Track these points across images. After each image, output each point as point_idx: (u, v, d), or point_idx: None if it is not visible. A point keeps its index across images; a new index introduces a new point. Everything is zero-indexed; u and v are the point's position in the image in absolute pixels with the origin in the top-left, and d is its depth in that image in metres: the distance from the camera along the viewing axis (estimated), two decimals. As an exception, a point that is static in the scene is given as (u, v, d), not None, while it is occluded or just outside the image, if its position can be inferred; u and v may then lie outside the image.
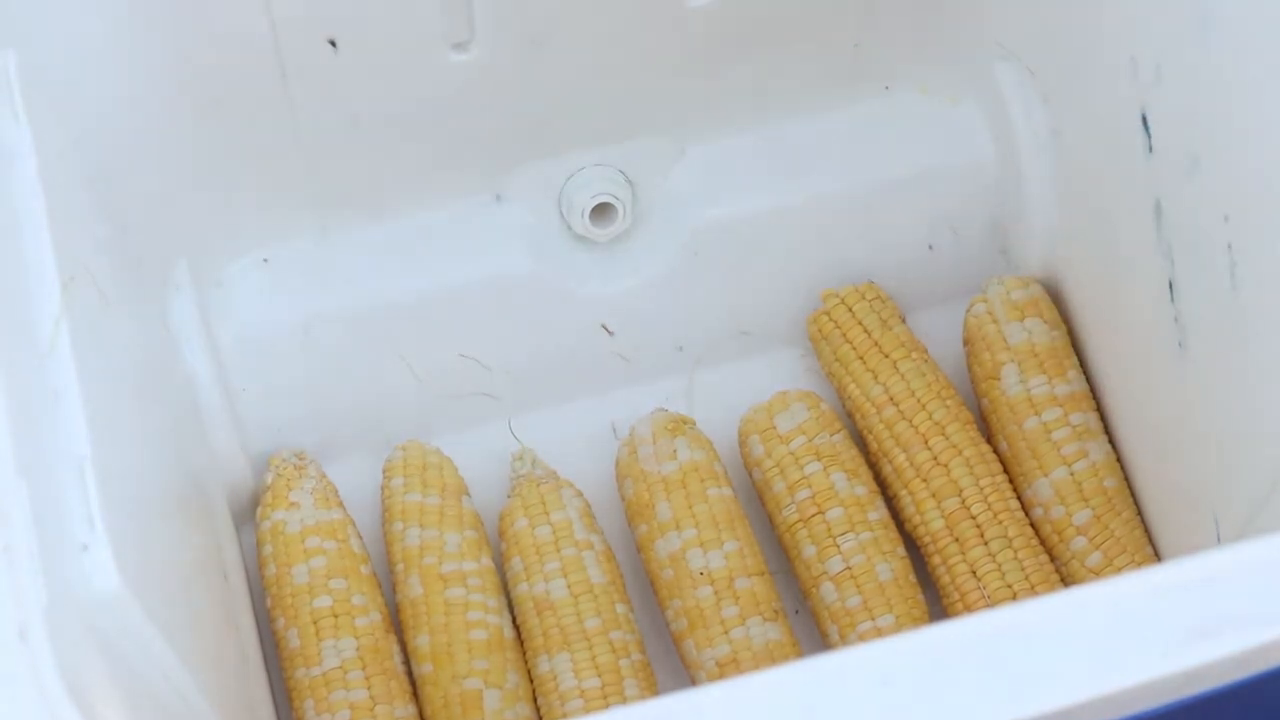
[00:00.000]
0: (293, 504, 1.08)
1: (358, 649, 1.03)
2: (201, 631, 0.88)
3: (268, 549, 1.07)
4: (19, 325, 0.78)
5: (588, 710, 1.02)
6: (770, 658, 1.03)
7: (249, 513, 1.11)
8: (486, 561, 1.08)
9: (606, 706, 1.02)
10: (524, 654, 1.06)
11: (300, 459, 1.10)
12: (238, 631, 1.01)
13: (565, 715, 1.02)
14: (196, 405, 1.08)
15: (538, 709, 1.05)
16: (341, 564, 1.06)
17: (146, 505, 0.85)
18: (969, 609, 1.05)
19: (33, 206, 0.82)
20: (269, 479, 1.09)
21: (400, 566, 1.07)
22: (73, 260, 0.84)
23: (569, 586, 1.05)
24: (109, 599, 0.71)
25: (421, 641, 1.05)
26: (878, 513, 1.08)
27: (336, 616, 1.04)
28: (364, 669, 1.03)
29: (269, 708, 1.04)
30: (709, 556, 1.05)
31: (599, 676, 1.03)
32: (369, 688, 1.02)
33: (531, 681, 1.05)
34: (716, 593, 1.05)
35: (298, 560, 1.06)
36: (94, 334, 0.84)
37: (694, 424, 1.11)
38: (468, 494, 1.11)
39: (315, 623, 1.04)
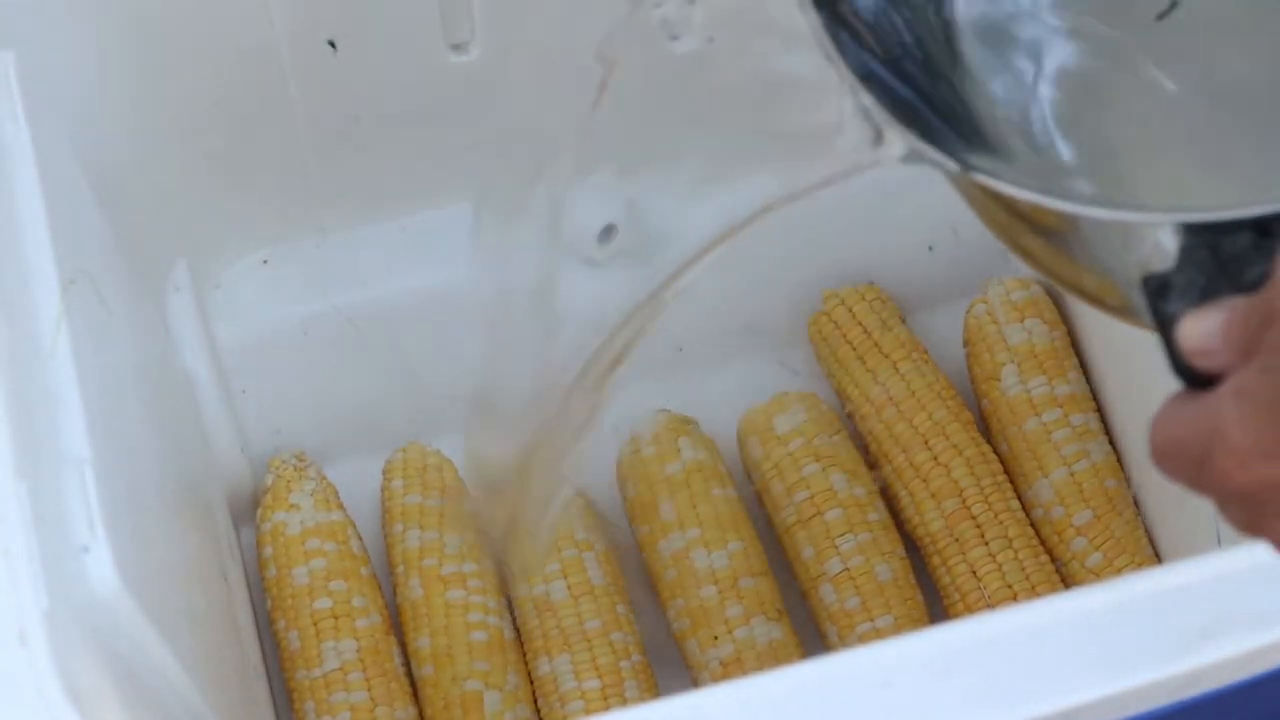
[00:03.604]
0: (293, 505, 1.08)
1: (358, 650, 1.03)
2: (201, 633, 0.88)
3: (268, 550, 1.07)
4: (19, 327, 0.78)
5: (588, 712, 1.01)
6: (774, 658, 1.03)
7: (249, 514, 1.11)
8: (487, 563, 1.08)
9: (607, 708, 1.02)
10: (524, 655, 1.06)
11: (301, 460, 1.10)
12: (238, 633, 1.01)
13: (566, 717, 1.02)
14: (196, 406, 1.08)
15: (538, 710, 1.05)
16: (342, 565, 1.06)
17: (146, 507, 0.85)
18: (969, 609, 1.04)
19: (32, 209, 0.82)
20: (269, 481, 1.09)
21: (401, 568, 1.07)
22: (73, 262, 0.84)
23: (569, 588, 1.05)
24: (109, 601, 0.71)
25: (422, 643, 1.04)
26: (877, 514, 1.07)
27: (337, 618, 1.04)
28: (364, 670, 1.03)
29: (269, 710, 1.04)
30: (713, 556, 1.05)
31: (599, 678, 1.03)
32: (369, 689, 1.02)
33: (531, 683, 1.05)
34: (720, 592, 1.04)
35: (298, 562, 1.06)
36: (94, 336, 0.84)
37: (697, 424, 1.11)
38: (469, 495, 1.11)
39: (315, 624, 1.04)
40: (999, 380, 1.10)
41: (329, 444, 1.14)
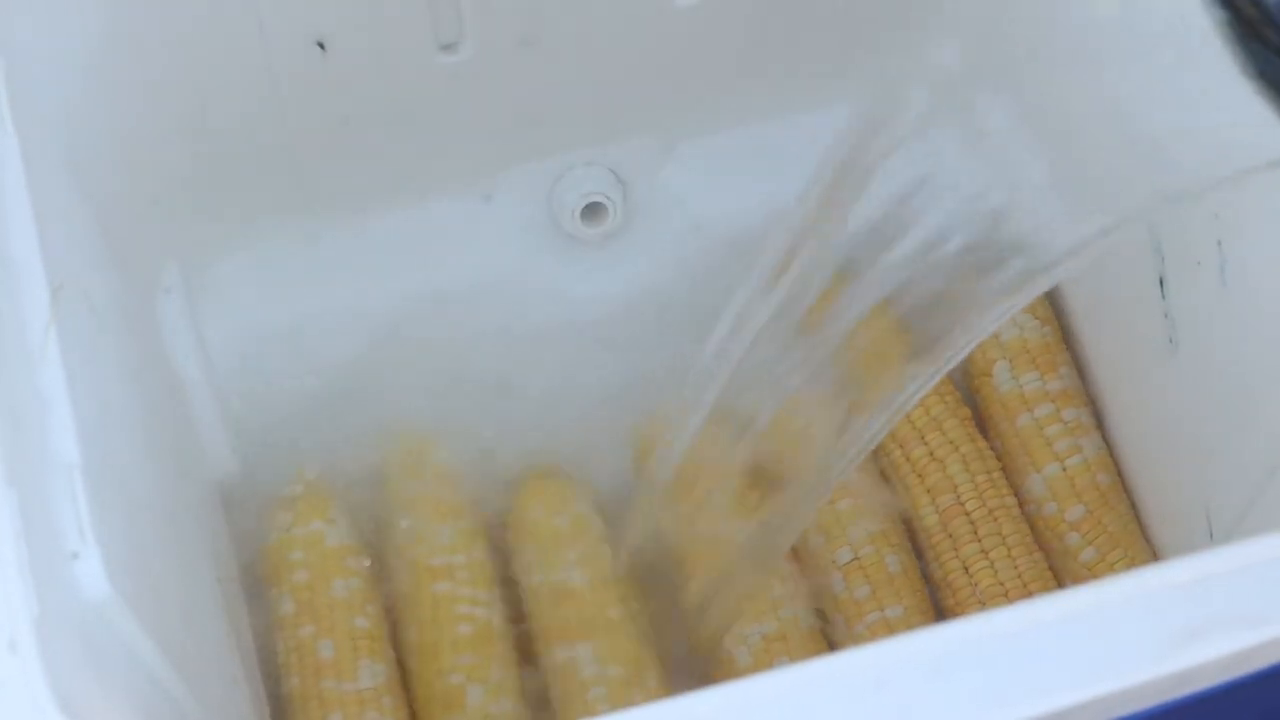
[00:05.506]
0: (331, 520, 1.07)
1: (387, 677, 1.03)
2: (196, 639, 0.88)
3: (298, 554, 1.06)
4: (8, 333, 0.78)
5: (610, 699, 1.01)
6: (815, 644, 1.04)
7: (242, 517, 1.11)
8: (478, 554, 1.07)
9: (629, 697, 1.01)
10: (514, 646, 1.05)
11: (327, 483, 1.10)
12: (232, 636, 1.01)
13: (587, 703, 1.01)
14: (188, 409, 1.08)
15: (527, 703, 1.04)
16: (373, 590, 1.06)
17: (138, 512, 0.85)
18: (961, 606, 1.05)
19: (21, 214, 0.82)
20: (299, 489, 1.08)
21: (394, 560, 1.07)
22: (62, 267, 0.84)
23: (589, 577, 1.05)
24: (100, 608, 0.71)
25: (409, 636, 1.04)
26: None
27: (373, 639, 1.03)
28: (393, 696, 1.02)
29: (266, 713, 1.04)
30: None
31: (622, 665, 1.03)
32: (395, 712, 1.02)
33: (535, 672, 1.04)
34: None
35: (337, 575, 1.05)
36: (84, 340, 0.84)
37: None
38: (462, 487, 1.10)
39: (353, 640, 1.03)
40: (991, 376, 1.10)
41: (323, 444, 1.13)
